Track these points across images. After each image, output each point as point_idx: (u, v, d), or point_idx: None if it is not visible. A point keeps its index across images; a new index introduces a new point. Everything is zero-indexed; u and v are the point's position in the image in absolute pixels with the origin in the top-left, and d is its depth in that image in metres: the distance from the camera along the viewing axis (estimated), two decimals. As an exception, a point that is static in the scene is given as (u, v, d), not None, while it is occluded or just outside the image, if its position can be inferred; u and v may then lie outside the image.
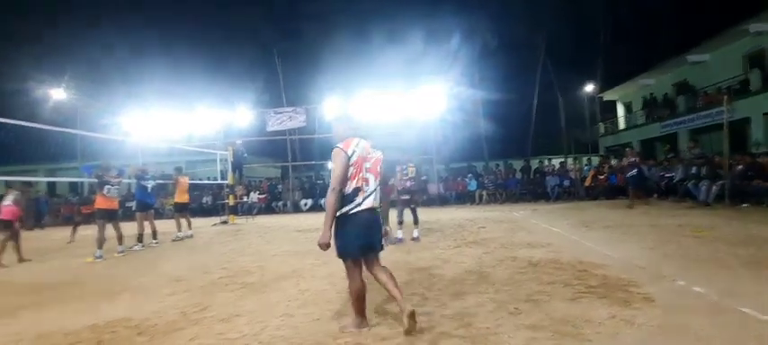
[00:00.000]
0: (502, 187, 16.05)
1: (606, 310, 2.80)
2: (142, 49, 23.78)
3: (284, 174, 20.22)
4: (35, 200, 16.74)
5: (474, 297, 3.27)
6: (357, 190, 2.53)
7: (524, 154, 22.35)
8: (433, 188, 16.66)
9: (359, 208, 2.53)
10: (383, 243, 2.75)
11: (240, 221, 12.88)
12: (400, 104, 16.23)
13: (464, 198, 16.28)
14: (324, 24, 22.51)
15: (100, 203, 6.69)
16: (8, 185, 7.50)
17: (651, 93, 20.74)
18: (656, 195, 12.39)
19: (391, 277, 2.64)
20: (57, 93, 21.10)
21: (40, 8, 23.92)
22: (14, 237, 6.84)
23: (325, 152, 19.43)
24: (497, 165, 17.84)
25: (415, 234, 6.48)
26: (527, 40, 23.11)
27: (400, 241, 6.34)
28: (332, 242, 2.56)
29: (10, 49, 23.33)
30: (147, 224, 7.70)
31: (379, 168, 2.67)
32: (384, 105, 16.15)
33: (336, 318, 2.96)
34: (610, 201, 10.30)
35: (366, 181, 2.58)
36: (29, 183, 7.70)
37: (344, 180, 2.50)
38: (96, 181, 6.84)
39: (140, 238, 7.43)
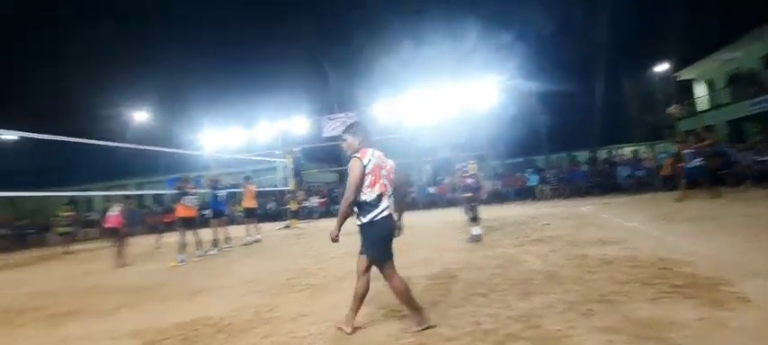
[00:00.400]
0: (566, 181, 15.15)
1: (694, 312, 2.52)
2: (209, 72, 25.93)
3: (341, 178, 20.80)
4: (130, 211, 18.87)
5: (541, 298, 3.12)
6: (380, 196, 2.61)
7: (590, 145, 20.89)
8: (490, 185, 16.17)
9: (384, 214, 2.63)
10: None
11: (302, 225, 13.47)
12: (451, 101, 15.98)
13: (523, 194, 15.61)
14: (371, 26, 22.80)
15: (180, 212, 7.38)
16: (108, 199, 8.58)
17: (737, 68, 18.35)
18: (748, 181, 10.95)
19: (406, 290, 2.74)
20: (140, 116, 23.73)
21: (125, 45, 27.07)
22: (121, 242, 7.79)
23: (379, 154, 19.80)
24: (560, 158, 16.90)
25: (476, 232, 6.31)
26: (588, 22, 21.60)
27: (478, 238, 6.17)
28: (360, 247, 2.72)
29: (104, 81, 26.60)
30: (221, 230, 8.35)
31: (392, 176, 2.73)
32: (434, 102, 16.01)
33: (397, 319, 2.98)
34: (691, 191, 9.25)
35: (385, 187, 2.65)
36: (128, 196, 8.76)
37: (359, 188, 2.58)
38: (177, 192, 7.55)
39: (215, 243, 8.06)
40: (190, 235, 7.36)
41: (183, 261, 6.92)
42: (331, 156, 19.99)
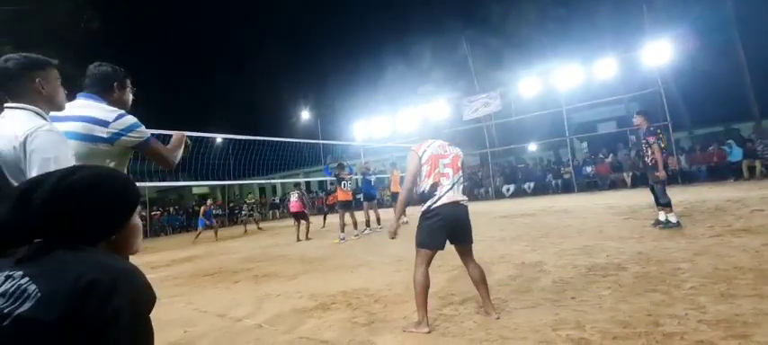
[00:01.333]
0: (791, 154, 11.36)
1: None
2: (357, 68, 28.50)
3: (483, 161, 20.22)
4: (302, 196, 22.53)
5: (751, 301, 2.46)
6: (435, 186, 2.63)
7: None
8: (671, 162, 13.33)
9: (439, 203, 2.61)
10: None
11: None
12: (612, 68, 13.70)
13: (722, 172, 12.37)
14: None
15: (340, 196, 8.43)
16: (293, 186, 10.46)
17: None
18: None
19: (482, 277, 2.72)
20: (304, 114, 27.80)
21: (288, 57, 32.04)
22: (305, 222, 9.44)
23: (526, 134, 18.43)
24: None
25: (663, 217, 5.27)
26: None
27: (676, 225, 5.19)
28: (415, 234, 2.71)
29: (275, 88, 32.14)
30: (372, 212, 9.19)
31: (459, 163, 2.72)
32: (592, 72, 13.96)
33: (552, 307, 2.78)
34: None
35: (445, 175, 2.65)
36: (297, 184, 10.53)
37: (415, 178, 2.66)
38: (335, 178, 8.64)
39: (368, 223, 8.92)
40: (348, 216, 8.33)
41: (343, 239, 7.88)
42: (473, 139, 19.57)
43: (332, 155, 11.54)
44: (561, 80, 14.49)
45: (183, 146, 2.03)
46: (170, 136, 2.04)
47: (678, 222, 5.19)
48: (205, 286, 5.31)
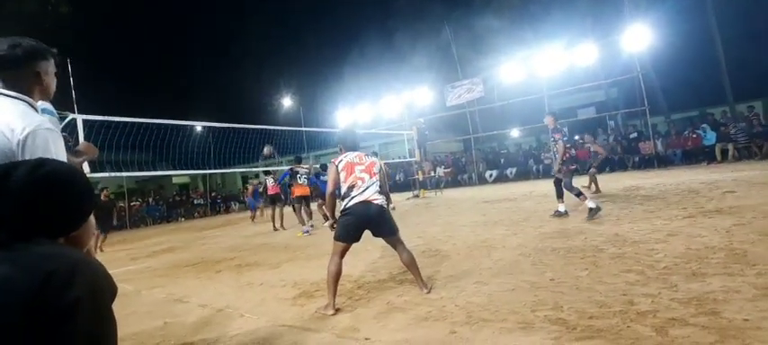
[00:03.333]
0: (761, 137, 11.78)
1: None
2: (339, 53, 28.04)
3: (467, 147, 20.37)
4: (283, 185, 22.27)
5: (721, 280, 2.55)
6: (351, 188, 3.05)
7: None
8: (647, 146, 13.69)
9: (352, 202, 3.03)
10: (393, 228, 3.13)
11: (430, 195, 13.77)
12: (597, 52, 13.90)
13: (697, 155, 12.77)
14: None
15: (296, 191, 8.14)
16: (264, 174, 10.23)
17: None
18: None
19: (412, 261, 3.14)
20: (286, 101, 27.36)
21: (270, 41, 31.28)
22: (280, 207, 9.36)
23: (508, 120, 18.59)
24: (751, 108, 13.08)
25: (592, 204, 5.28)
26: None
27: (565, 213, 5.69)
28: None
29: (256, 73, 31.42)
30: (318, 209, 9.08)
31: (374, 169, 3.15)
32: (576, 57, 14.12)
33: (532, 289, 2.83)
34: None
35: (361, 179, 3.07)
36: (268, 172, 10.24)
37: (335, 184, 3.09)
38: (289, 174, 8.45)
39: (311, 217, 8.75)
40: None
41: (307, 232, 7.61)
42: (456, 126, 19.65)
43: (271, 145, 9.76)
44: (542, 66, 14.63)
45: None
46: (147, 124, 2.02)
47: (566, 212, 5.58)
48: (187, 276, 5.22)
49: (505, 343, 2.13)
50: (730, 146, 11.88)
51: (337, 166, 3.12)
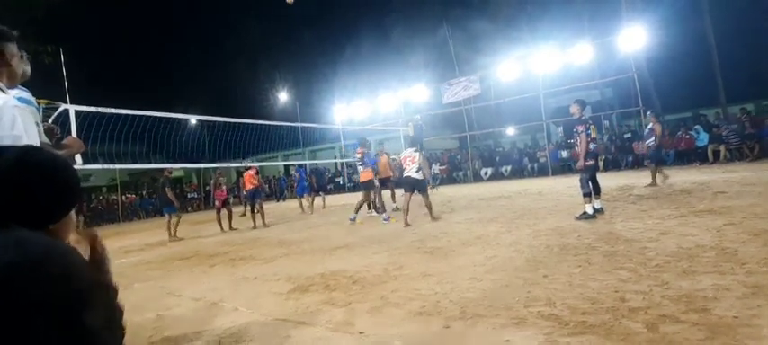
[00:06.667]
0: (753, 138, 11.90)
1: None
2: (336, 49, 27.87)
3: (463, 144, 20.40)
4: (279, 179, 22.15)
5: (712, 278, 2.58)
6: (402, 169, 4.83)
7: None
8: (640, 147, 13.79)
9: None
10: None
11: (424, 191, 13.76)
12: (593, 52, 13.96)
13: (690, 156, 12.88)
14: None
15: (362, 176, 7.98)
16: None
17: None
18: None
19: (429, 205, 6.28)
20: (282, 96, 27.17)
21: (266, 35, 30.94)
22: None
23: (504, 118, 18.64)
24: (743, 110, 13.20)
25: (591, 209, 5.23)
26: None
27: (592, 216, 5.24)
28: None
29: (252, 69, 31.15)
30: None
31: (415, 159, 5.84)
32: (572, 57, 14.18)
33: (525, 285, 2.85)
34: None
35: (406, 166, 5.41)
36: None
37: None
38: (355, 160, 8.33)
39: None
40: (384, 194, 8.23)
41: (386, 219, 7.23)
42: (452, 123, 19.67)
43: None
44: (539, 65, 14.66)
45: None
46: (141, 116, 1.99)
47: (596, 212, 5.16)
48: (180, 270, 5.20)
49: (499, 338, 2.14)
50: (722, 148, 11.99)
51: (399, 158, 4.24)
